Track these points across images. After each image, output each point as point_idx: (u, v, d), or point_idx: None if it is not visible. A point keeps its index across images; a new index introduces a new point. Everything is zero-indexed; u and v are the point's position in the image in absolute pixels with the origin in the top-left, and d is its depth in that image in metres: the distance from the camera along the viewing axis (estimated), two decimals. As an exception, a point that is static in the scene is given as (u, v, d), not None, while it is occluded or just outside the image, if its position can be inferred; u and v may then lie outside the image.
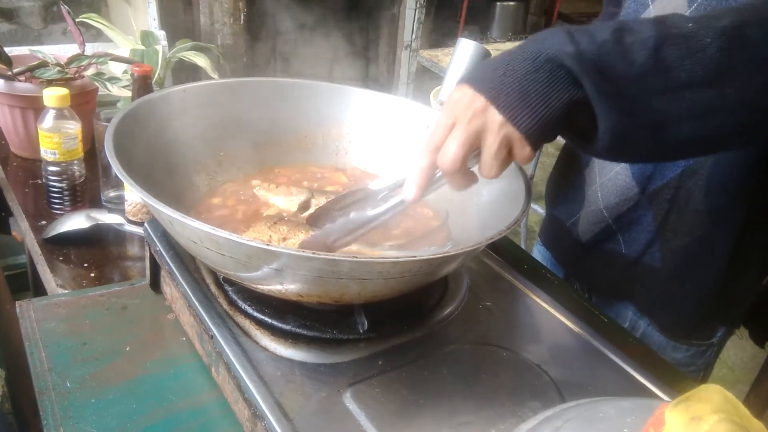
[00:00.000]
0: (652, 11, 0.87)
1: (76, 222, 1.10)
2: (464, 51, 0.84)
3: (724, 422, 0.41)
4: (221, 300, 0.71)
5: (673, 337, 0.99)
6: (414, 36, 3.45)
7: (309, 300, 0.65)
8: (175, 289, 0.76)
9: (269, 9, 3.31)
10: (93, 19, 1.48)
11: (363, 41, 3.75)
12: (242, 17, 2.68)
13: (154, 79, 1.38)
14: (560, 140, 0.70)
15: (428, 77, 3.34)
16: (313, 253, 0.55)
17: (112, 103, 1.42)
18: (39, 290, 1.25)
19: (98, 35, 1.77)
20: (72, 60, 1.31)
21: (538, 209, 3.08)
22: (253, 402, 0.59)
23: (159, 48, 1.45)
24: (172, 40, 1.73)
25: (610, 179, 0.96)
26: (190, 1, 2.63)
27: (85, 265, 1.05)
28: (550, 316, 0.78)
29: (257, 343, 0.66)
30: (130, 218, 1.10)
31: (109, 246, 1.11)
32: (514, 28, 4.41)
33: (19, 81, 1.28)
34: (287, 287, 0.62)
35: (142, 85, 1.08)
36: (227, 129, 0.89)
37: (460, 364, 0.68)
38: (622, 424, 0.49)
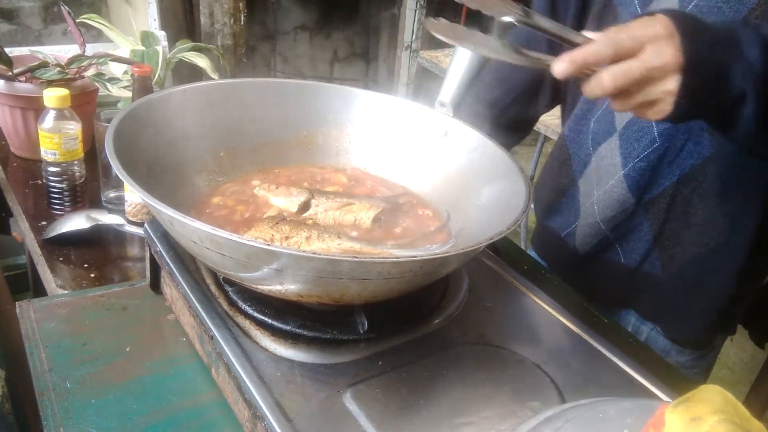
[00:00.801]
0: None
1: (76, 222, 1.10)
2: (465, 52, 0.84)
3: (724, 423, 0.41)
4: (221, 300, 0.71)
5: (678, 343, 0.99)
6: (414, 37, 3.45)
7: (309, 300, 0.65)
8: (175, 289, 0.76)
9: (269, 9, 3.31)
10: (93, 20, 1.49)
11: (363, 42, 3.76)
12: (242, 17, 2.68)
13: (154, 80, 1.38)
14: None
15: (428, 78, 3.34)
16: (313, 253, 0.55)
17: (112, 103, 1.42)
18: (39, 291, 1.25)
19: (99, 36, 1.77)
20: (72, 60, 1.31)
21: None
22: (253, 402, 0.59)
23: (159, 48, 1.45)
24: (172, 40, 1.73)
25: (606, 192, 0.95)
26: (190, 2, 2.63)
27: (86, 265, 1.05)
28: (550, 317, 0.78)
29: (257, 344, 0.66)
30: (131, 219, 1.10)
31: (109, 246, 1.11)
32: (515, 28, 4.39)
33: (20, 81, 1.28)
34: (287, 287, 0.62)
35: (142, 85, 1.08)
36: (227, 129, 0.89)
37: (460, 365, 0.68)
38: (623, 424, 0.49)
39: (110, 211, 1.14)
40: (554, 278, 0.97)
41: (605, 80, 0.62)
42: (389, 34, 3.61)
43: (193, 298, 0.71)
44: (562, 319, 0.77)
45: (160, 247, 0.78)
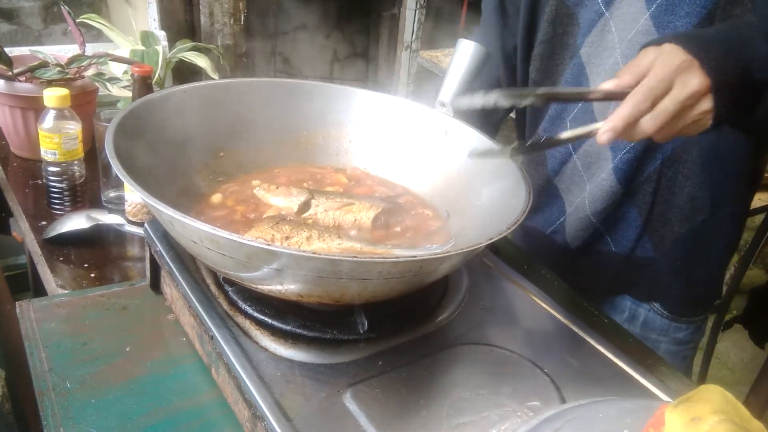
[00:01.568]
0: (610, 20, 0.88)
1: (76, 222, 1.10)
2: (464, 52, 0.84)
3: (724, 423, 0.41)
4: (221, 300, 0.71)
5: (675, 318, 1.01)
6: (414, 36, 3.45)
7: (309, 300, 0.65)
8: (175, 289, 0.76)
9: (269, 9, 3.31)
10: (93, 20, 1.48)
11: (363, 41, 3.75)
12: (242, 17, 2.68)
13: (154, 80, 1.38)
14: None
15: (428, 78, 3.34)
16: (314, 253, 0.55)
17: (112, 103, 1.42)
18: (39, 290, 1.25)
19: (98, 36, 1.77)
20: (72, 60, 1.31)
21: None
22: (253, 402, 0.59)
23: (159, 48, 1.45)
24: (172, 40, 1.73)
25: (596, 185, 0.97)
26: (190, 2, 2.63)
27: (86, 265, 1.05)
28: (550, 317, 0.78)
29: (257, 344, 0.66)
30: (131, 219, 1.10)
31: (109, 246, 1.11)
32: (515, 28, 4.39)
33: (20, 81, 1.28)
34: (287, 287, 0.62)
35: (142, 85, 1.08)
36: (227, 129, 0.89)
37: (460, 365, 0.68)
38: (622, 424, 0.49)
39: (110, 211, 1.14)
40: (554, 278, 0.97)
41: (647, 127, 0.66)
42: (389, 34, 3.61)
43: (193, 298, 0.71)
44: (561, 319, 0.77)
45: (160, 247, 0.78)
